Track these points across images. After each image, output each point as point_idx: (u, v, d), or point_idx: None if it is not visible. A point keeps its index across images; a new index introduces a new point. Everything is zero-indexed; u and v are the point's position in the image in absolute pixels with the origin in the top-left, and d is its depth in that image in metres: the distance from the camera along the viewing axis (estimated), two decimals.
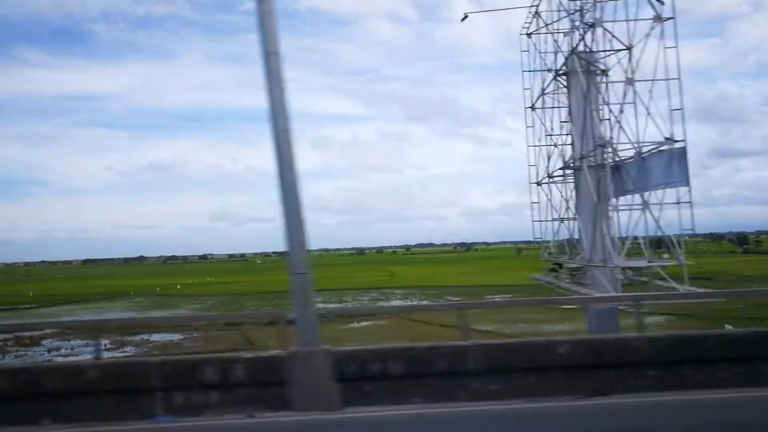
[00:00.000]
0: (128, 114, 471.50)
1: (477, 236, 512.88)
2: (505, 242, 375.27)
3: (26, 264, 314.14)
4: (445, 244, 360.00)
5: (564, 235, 23.89)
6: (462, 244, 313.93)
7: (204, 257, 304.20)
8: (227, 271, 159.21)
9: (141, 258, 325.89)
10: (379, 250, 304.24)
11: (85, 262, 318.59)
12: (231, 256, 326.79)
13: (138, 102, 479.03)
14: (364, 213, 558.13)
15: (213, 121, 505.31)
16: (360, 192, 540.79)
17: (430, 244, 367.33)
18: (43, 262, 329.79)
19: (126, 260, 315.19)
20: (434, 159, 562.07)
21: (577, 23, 20.63)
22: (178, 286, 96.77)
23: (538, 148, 24.40)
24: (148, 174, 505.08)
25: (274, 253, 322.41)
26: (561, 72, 22.26)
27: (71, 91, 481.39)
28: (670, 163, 17.62)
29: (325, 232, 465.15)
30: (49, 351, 42.61)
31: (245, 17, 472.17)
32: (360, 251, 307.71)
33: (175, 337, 46.59)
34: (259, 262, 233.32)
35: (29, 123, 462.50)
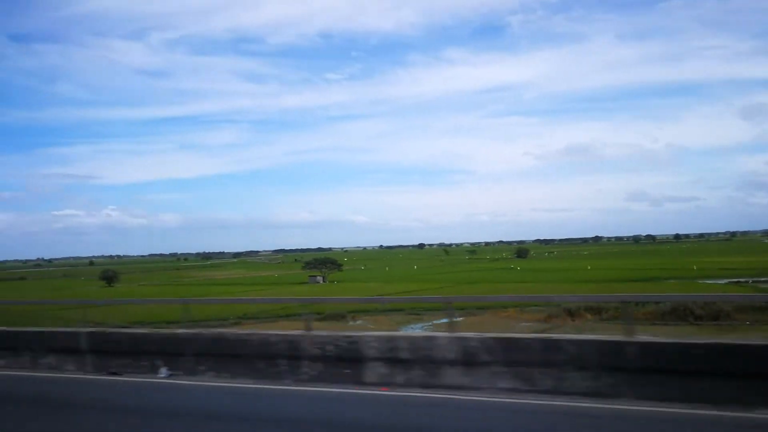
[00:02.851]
0: (541, 100, 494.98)
1: None
2: None
3: (487, 244, 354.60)
4: None
5: None
6: None
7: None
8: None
9: (597, 238, 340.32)
10: None
11: (536, 241, 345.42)
12: (649, 237, 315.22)
13: (550, 88, 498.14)
14: None
15: (627, 100, 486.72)
16: None
17: None
18: (488, 243, 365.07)
19: (584, 240, 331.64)
20: None
21: None
22: None
23: None
24: (563, 157, 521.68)
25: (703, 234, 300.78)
26: None
27: (489, 83, 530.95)
28: None
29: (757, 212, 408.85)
30: None
31: None
32: None
33: None
34: None
35: (453, 117, 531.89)
